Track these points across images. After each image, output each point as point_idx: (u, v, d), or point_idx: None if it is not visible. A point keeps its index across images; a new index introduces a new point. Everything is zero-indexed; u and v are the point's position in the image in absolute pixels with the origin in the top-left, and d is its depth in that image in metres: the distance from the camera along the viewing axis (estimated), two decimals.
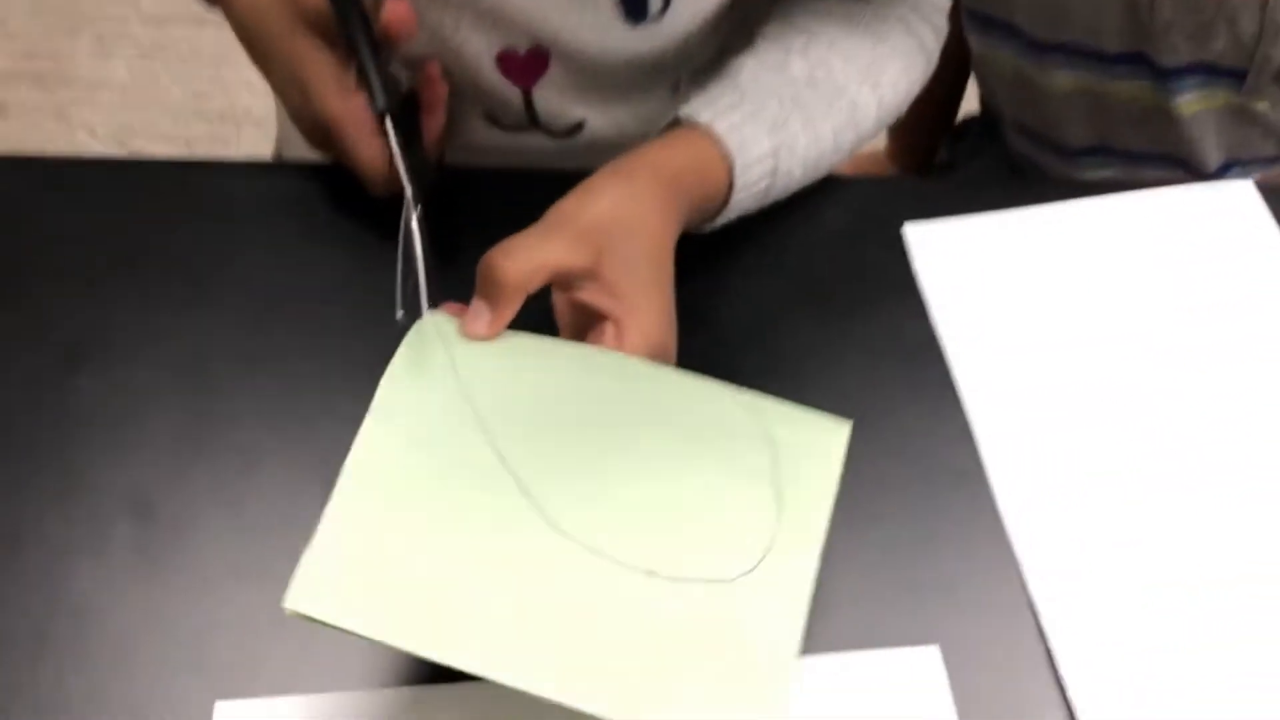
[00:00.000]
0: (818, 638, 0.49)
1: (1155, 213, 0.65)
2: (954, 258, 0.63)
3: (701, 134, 0.58)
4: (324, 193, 0.65)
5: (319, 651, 0.49)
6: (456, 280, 0.51)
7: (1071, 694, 0.48)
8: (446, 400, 0.46)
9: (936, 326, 0.60)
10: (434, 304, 0.50)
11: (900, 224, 0.65)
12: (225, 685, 0.48)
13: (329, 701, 0.48)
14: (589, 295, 0.51)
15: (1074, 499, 0.54)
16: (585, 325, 0.51)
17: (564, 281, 0.51)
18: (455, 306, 0.51)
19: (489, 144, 0.70)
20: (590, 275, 0.50)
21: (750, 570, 0.43)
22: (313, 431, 0.55)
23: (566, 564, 0.43)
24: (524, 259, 0.49)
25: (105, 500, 0.53)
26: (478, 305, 0.49)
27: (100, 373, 0.57)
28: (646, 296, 0.51)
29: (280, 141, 0.85)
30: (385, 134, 0.57)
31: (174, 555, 0.52)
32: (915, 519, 0.54)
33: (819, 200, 0.65)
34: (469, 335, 0.49)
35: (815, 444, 0.47)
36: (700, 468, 0.46)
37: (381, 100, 0.57)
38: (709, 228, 0.60)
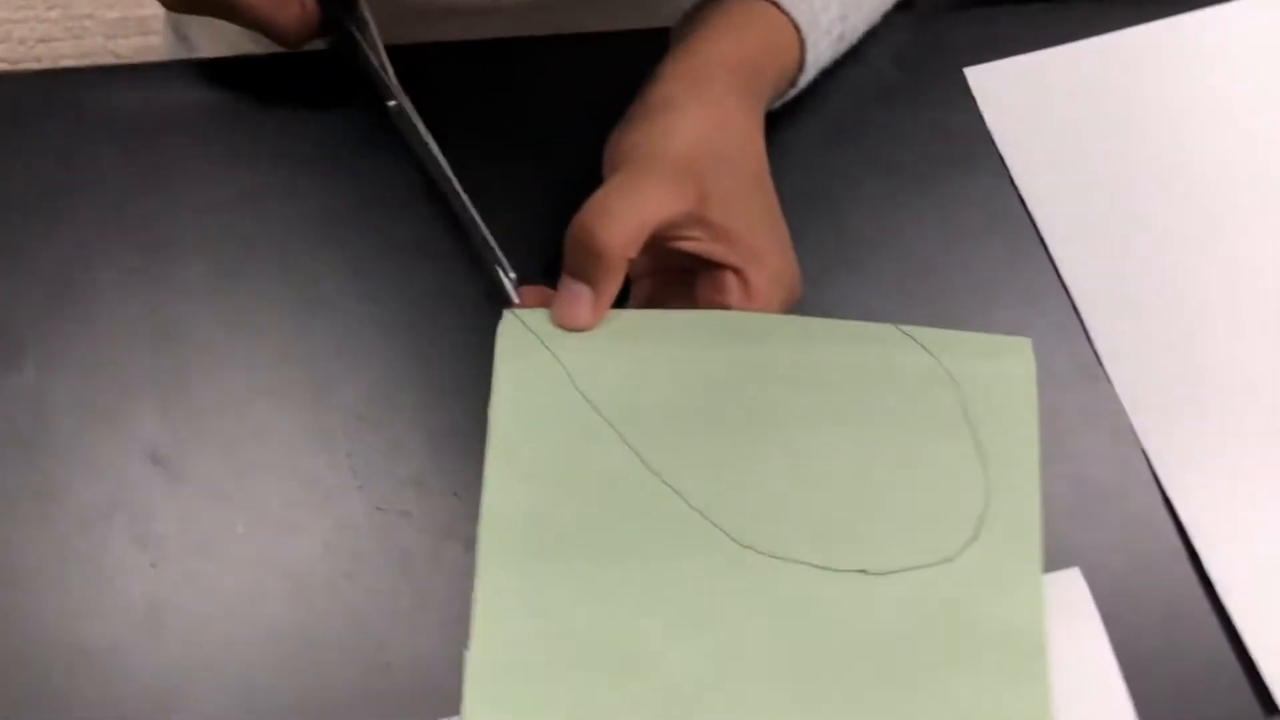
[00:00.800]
0: None
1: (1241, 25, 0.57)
2: (1025, 100, 0.55)
3: (762, 6, 0.47)
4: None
5: None
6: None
7: (1225, 599, 0.44)
8: (572, 416, 0.38)
9: (1020, 187, 0.53)
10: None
11: (957, 66, 0.56)
12: None
13: None
14: (697, 245, 0.41)
15: (1206, 398, 0.48)
16: (675, 278, 0.43)
17: (668, 233, 0.41)
18: (536, 292, 0.42)
19: (449, 2, 0.58)
20: (695, 220, 0.40)
21: (972, 539, 0.37)
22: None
23: (767, 582, 0.36)
24: (626, 219, 0.39)
25: None
26: (574, 287, 0.40)
27: None
28: (763, 233, 0.42)
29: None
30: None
31: None
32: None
33: (863, 46, 0.55)
34: (570, 325, 0.40)
35: (1001, 371, 0.41)
36: (882, 431, 0.39)
37: None
38: (792, 93, 0.50)
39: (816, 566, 0.36)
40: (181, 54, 0.66)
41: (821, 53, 0.49)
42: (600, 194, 0.40)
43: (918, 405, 0.39)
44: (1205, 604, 0.44)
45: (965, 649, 0.35)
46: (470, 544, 0.43)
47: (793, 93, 0.50)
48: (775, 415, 0.39)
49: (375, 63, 0.45)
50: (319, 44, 0.51)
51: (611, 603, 0.36)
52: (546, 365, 0.39)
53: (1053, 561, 0.45)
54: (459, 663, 0.41)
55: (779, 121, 0.54)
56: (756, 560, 0.36)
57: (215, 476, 0.45)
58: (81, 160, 0.51)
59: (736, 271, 0.41)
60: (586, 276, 0.40)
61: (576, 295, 0.40)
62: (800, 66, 0.49)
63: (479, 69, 0.54)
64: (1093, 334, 0.49)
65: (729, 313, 0.41)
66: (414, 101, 0.48)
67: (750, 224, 0.42)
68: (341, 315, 0.48)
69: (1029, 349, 0.41)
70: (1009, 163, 0.53)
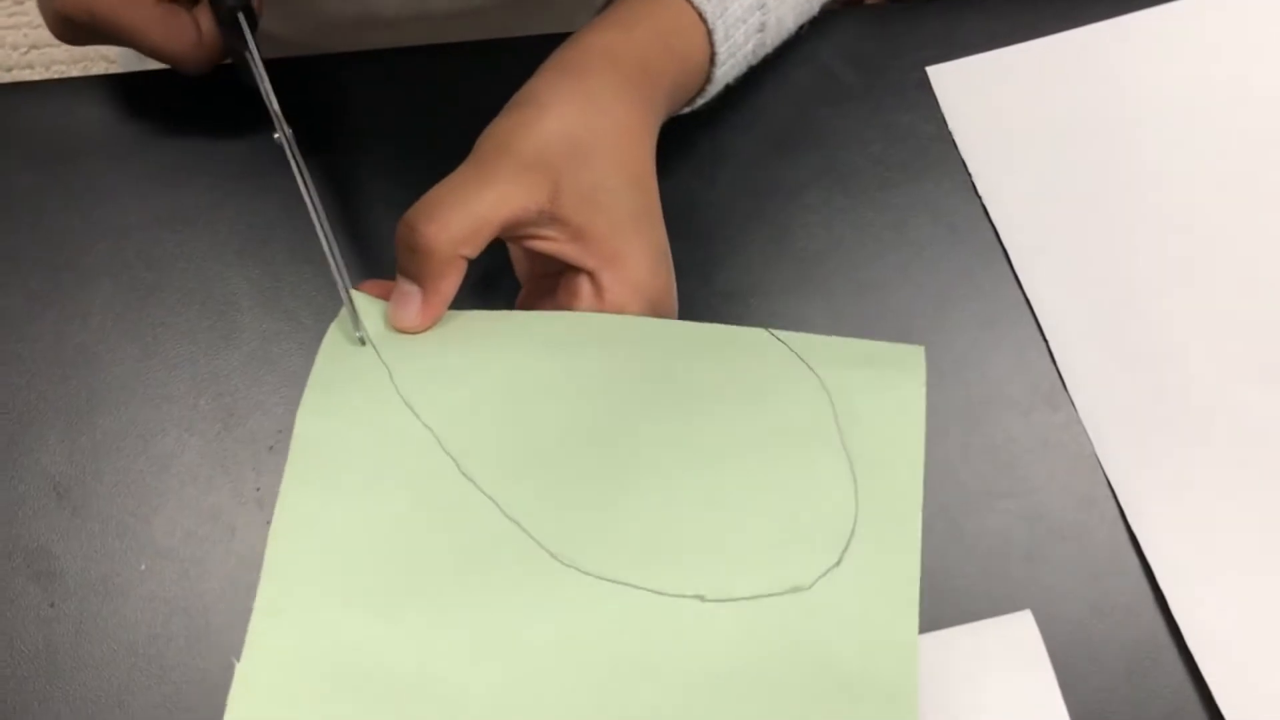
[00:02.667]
0: None
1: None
2: (990, 100, 0.51)
3: None
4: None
5: None
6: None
7: (1194, 649, 0.40)
8: (388, 418, 0.35)
9: (982, 194, 0.49)
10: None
11: (918, 64, 0.52)
12: None
13: None
14: (549, 245, 0.38)
15: (1178, 429, 0.44)
16: (552, 282, 0.39)
17: (515, 231, 0.38)
18: (378, 285, 0.39)
19: (391, 13, 0.56)
20: (548, 218, 0.38)
21: (832, 567, 0.32)
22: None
23: (589, 607, 0.32)
24: (455, 217, 0.36)
25: None
26: (404, 287, 0.37)
27: None
28: (627, 235, 0.38)
29: None
30: (235, 29, 0.44)
31: None
32: (990, 451, 0.44)
33: (812, 45, 0.52)
34: (399, 326, 0.37)
35: (883, 381, 0.36)
36: (739, 443, 0.35)
37: None
38: (686, 111, 0.47)
39: (646, 590, 0.32)
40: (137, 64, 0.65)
41: (737, 44, 0.45)
42: (433, 189, 0.37)
43: (783, 417, 0.35)
44: (1173, 653, 0.41)
45: (814, 695, 0.30)
46: None
47: (713, 90, 0.46)
48: (619, 425, 0.35)
49: (262, 91, 0.43)
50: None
51: (406, 623, 0.32)
52: (369, 365, 0.36)
53: (1004, 603, 0.42)
54: None
55: (720, 128, 0.51)
56: (579, 581, 0.32)
57: (119, 510, 0.43)
58: None
59: (592, 275, 0.38)
60: (415, 276, 0.37)
61: (406, 295, 0.37)
62: (709, 76, 0.45)
63: (406, 76, 0.52)
64: (1057, 356, 0.46)
65: (583, 314, 0.38)
66: (343, 109, 0.46)
67: (613, 225, 0.38)
68: (255, 342, 0.46)
69: (921, 358, 0.36)
70: (971, 168, 0.49)
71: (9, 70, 1.11)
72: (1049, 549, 0.42)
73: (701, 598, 0.32)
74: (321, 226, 0.39)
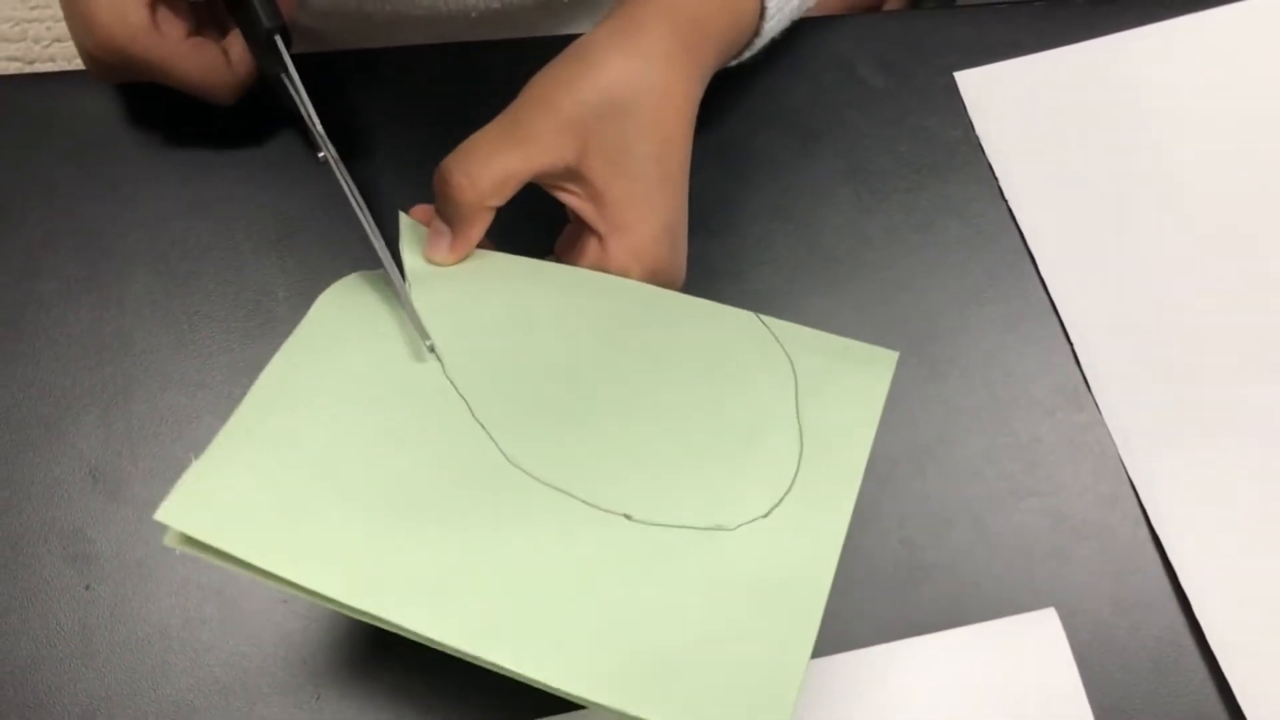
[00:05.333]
0: (923, 610, 0.41)
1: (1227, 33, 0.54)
2: (1016, 106, 0.51)
3: None
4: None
5: None
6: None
7: (1215, 647, 0.41)
8: (390, 319, 0.39)
9: (1008, 198, 0.50)
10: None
11: (945, 69, 0.53)
12: None
13: None
14: (570, 199, 0.40)
15: (1201, 430, 0.45)
16: (579, 223, 0.41)
17: (542, 181, 0.40)
18: (425, 210, 0.41)
19: (424, 12, 0.56)
20: (573, 174, 0.39)
21: (758, 517, 0.34)
22: None
23: (522, 503, 0.34)
24: (485, 170, 0.38)
25: None
26: (438, 225, 0.40)
27: None
28: (640, 203, 0.40)
29: None
30: (272, 50, 0.45)
31: None
32: (1014, 450, 0.45)
33: (842, 49, 0.53)
34: (430, 259, 0.40)
35: (850, 375, 0.37)
36: (701, 399, 0.37)
37: (269, 17, 0.45)
38: (732, 64, 0.47)
39: (579, 500, 0.34)
40: None
41: (785, 14, 0.46)
42: (469, 139, 0.39)
43: (747, 385, 0.37)
44: (1194, 650, 0.41)
45: (709, 630, 0.32)
46: None
47: (760, 43, 0.47)
48: (594, 365, 0.38)
49: (304, 114, 0.44)
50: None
51: (361, 478, 0.34)
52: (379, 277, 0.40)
53: (1028, 601, 0.42)
54: (390, 695, 0.40)
55: (751, 129, 0.51)
56: (521, 480, 0.35)
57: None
58: (35, 167, 0.50)
59: (600, 238, 0.40)
60: (447, 219, 0.40)
61: (439, 234, 0.40)
62: (757, 30, 0.46)
63: (444, 71, 0.53)
64: (1081, 357, 0.46)
65: (590, 271, 0.40)
66: (375, 102, 0.47)
67: (629, 192, 0.39)
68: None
69: (892, 362, 0.38)
70: (998, 172, 0.50)
71: (31, 63, 1.11)
72: (1072, 547, 0.43)
73: (629, 516, 0.34)
74: (373, 236, 0.41)
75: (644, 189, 0.40)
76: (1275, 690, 0.40)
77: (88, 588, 0.42)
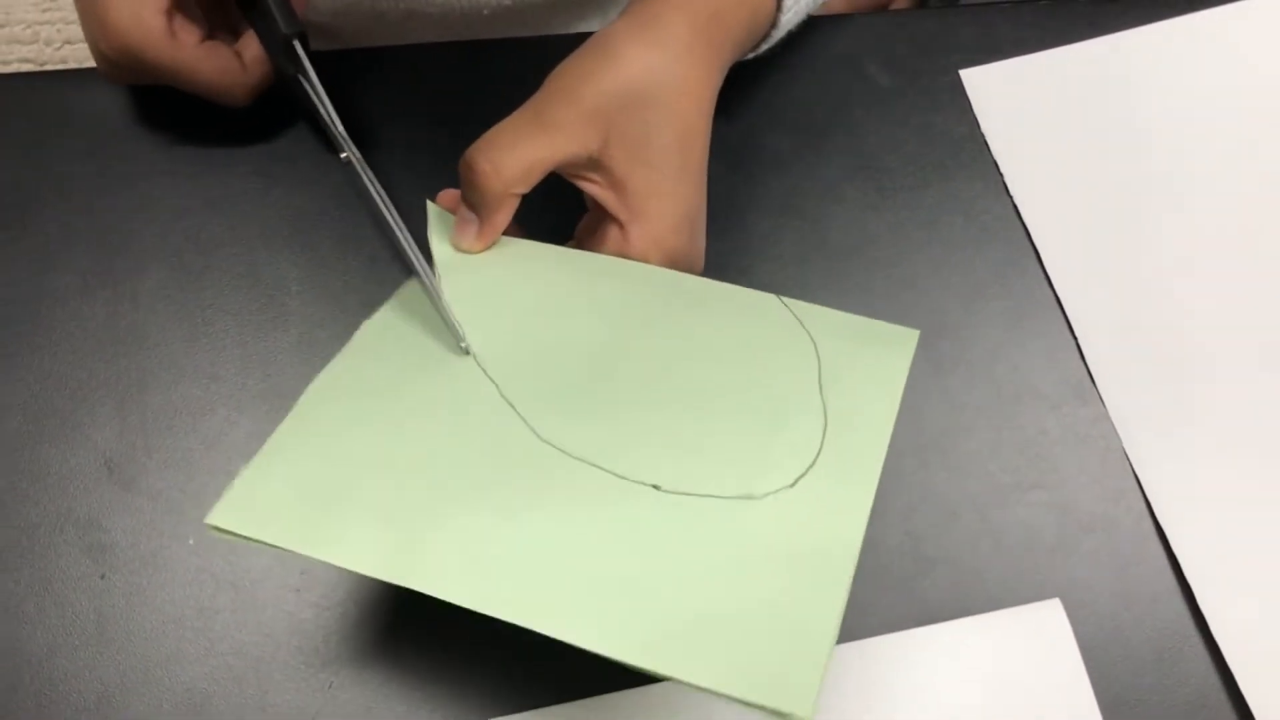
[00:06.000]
0: (930, 601, 0.42)
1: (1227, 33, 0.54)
2: (1022, 103, 0.52)
3: None
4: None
5: None
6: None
7: (1220, 640, 0.41)
8: (427, 322, 0.40)
9: (1014, 195, 0.50)
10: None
11: (951, 67, 0.53)
12: None
13: None
14: (591, 187, 0.41)
15: (1205, 424, 0.45)
16: (599, 211, 0.42)
17: (564, 170, 0.41)
18: (450, 196, 0.42)
19: (437, 10, 0.57)
20: (595, 164, 0.40)
21: (785, 488, 0.35)
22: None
23: (554, 478, 0.35)
24: (509, 159, 0.39)
25: None
26: (464, 213, 0.41)
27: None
28: (660, 193, 0.40)
29: None
30: (290, 55, 0.46)
31: None
32: (1020, 444, 0.45)
33: (849, 48, 0.53)
34: (458, 246, 0.41)
35: (872, 353, 0.38)
36: (727, 378, 0.38)
37: (287, 23, 0.46)
38: (750, 57, 0.48)
39: (609, 472, 0.35)
40: None
41: (801, 7, 0.47)
42: (494, 129, 0.40)
43: (772, 364, 0.38)
44: (1198, 641, 0.42)
45: (737, 598, 0.32)
46: None
47: (777, 35, 0.48)
48: (621, 347, 0.39)
49: (324, 116, 0.45)
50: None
51: (399, 466, 0.35)
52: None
53: (1033, 592, 0.42)
54: (403, 683, 0.40)
55: (759, 126, 0.52)
56: (552, 456, 0.36)
57: (168, 486, 0.44)
58: (51, 163, 0.50)
59: (621, 226, 0.41)
60: (472, 206, 0.41)
61: (465, 222, 0.41)
62: (774, 23, 0.46)
63: (456, 68, 0.53)
64: (1086, 352, 0.47)
65: (614, 258, 0.41)
66: (390, 99, 0.47)
67: (650, 181, 0.40)
68: (302, 326, 0.47)
69: (913, 340, 0.39)
70: (1003, 169, 0.50)
71: (42, 65, 1.12)
72: (1077, 539, 0.43)
73: (657, 487, 0.35)
74: (403, 238, 0.42)
75: (664, 178, 0.40)
76: (1278, 678, 0.40)
77: (103, 577, 0.42)
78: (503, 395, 0.37)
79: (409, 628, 0.41)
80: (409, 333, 0.40)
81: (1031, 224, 0.49)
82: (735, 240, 0.49)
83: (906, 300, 0.48)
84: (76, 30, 1.08)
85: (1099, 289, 0.48)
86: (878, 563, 0.43)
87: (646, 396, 0.37)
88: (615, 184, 0.40)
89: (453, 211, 0.42)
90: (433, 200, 0.43)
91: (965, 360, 0.47)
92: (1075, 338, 0.47)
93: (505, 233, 0.42)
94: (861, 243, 0.49)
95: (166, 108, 0.52)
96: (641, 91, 0.40)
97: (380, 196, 0.42)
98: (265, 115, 0.51)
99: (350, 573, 0.42)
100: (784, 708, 0.29)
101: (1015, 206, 0.50)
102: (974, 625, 0.42)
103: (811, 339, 0.39)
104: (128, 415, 0.45)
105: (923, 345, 0.47)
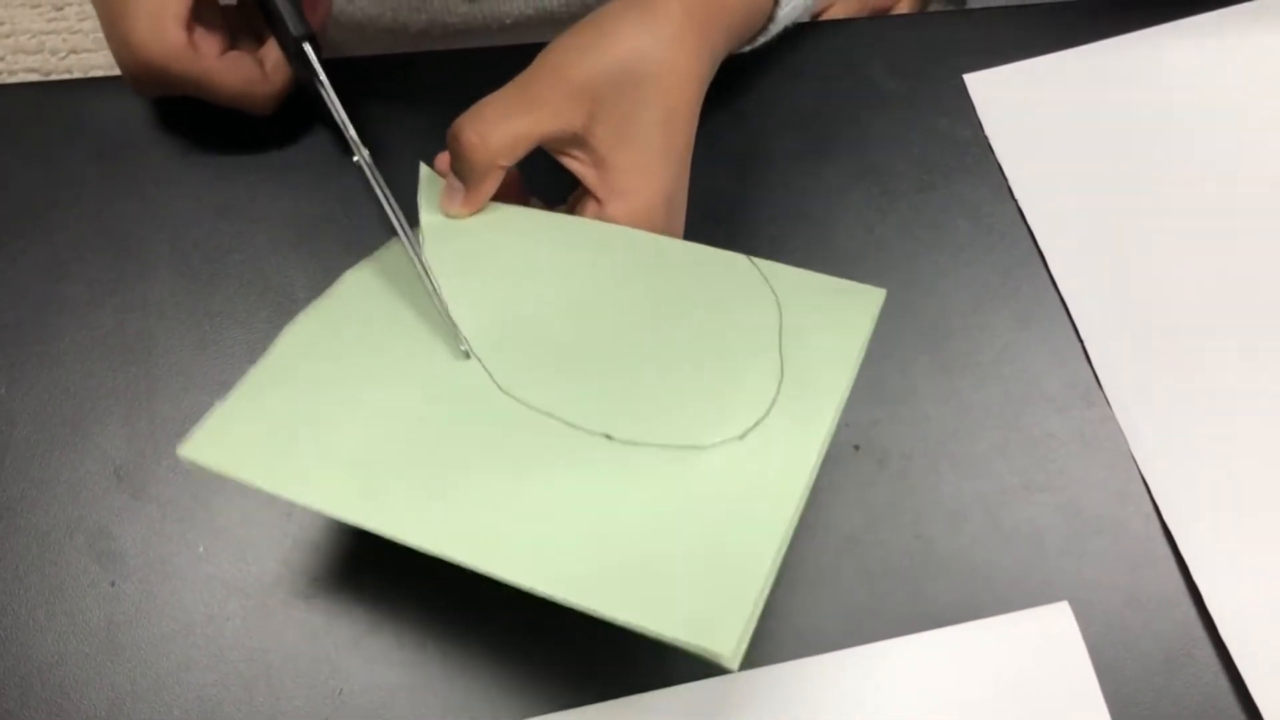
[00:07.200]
0: (937, 605, 0.42)
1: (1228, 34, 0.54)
2: (1025, 107, 0.52)
3: None
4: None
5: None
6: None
7: (1229, 642, 0.41)
8: (409, 294, 0.41)
9: (1018, 198, 0.50)
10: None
11: (955, 71, 0.53)
12: None
13: None
14: (574, 164, 0.42)
15: (1212, 425, 0.45)
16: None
17: (548, 145, 0.42)
18: (445, 160, 0.43)
19: (458, 20, 0.57)
20: (579, 141, 0.41)
21: (733, 439, 0.35)
22: None
23: (511, 427, 0.36)
24: (496, 131, 0.40)
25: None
26: (453, 181, 0.42)
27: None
28: (640, 173, 0.41)
29: None
30: (303, 61, 0.47)
31: None
32: (1027, 446, 0.45)
33: (854, 52, 0.53)
34: (446, 212, 0.43)
35: (835, 311, 0.39)
36: (688, 333, 0.39)
37: (296, 25, 0.46)
38: (746, 50, 0.49)
39: (563, 421, 0.36)
40: None
41: (800, 2, 0.48)
42: (482, 102, 0.41)
43: (732, 317, 0.39)
44: (1207, 643, 0.41)
45: (681, 546, 0.33)
46: (432, 571, 0.42)
47: (774, 29, 0.48)
48: (587, 301, 0.40)
49: (338, 119, 0.45)
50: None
51: (365, 410, 0.37)
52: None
53: (1041, 594, 0.42)
54: (413, 690, 0.40)
55: (766, 130, 0.52)
56: (510, 405, 0.37)
57: (178, 493, 0.44)
58: (61, 171, 0.51)
59: (600, 203, 0.42)
60: (460, 176, 0.42)
61: (453, 190, 0.42)
62: (771, 16, 0.47)
63: (475, 76, 0.53)
64: (1092, 354, 0.47)
65: (592, 221, 0.42)
66: (405, 106, 0.48)
67: (633, 161, 0.41)
68: None
69: (878, 299, 0.39)
70: (1007, 172, 0.51)
71: (48, 75, 1.13)
72: (1085, 541, 0.43)
73: (609, 436, 0.36)
74: (406, 237, 0.42)
75: (647, 158, 0.41)
76: None
77: (112, 584, 0.42)
78: (470, 350, 0.38)
79: (418, 635, 0.41)
80: (387, 288, 0.41)
81: (1036, 227, 0.49)
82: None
83: (912, 303, 0.48)
84: (82, 40, 1.09)
85: (1104, 291, 0.48)
86: (886, 564, 0.43)
87: (609, 351, 0.38)
88: (598, 161, 0.41)
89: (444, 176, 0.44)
90: (426, 164, 0.45)
91: (972, 363, 0.47)
92: (1081, 339, 0.47)
93: (506, 197, 0.44)
94: (867, 246, 0.49)
95: (176, 116, 0.52)
96: (630, 71, 0.41)
97: (387, 199, 0.43)
98: (274, 123, 0.51)
99: (361, 585, 0.42)
100: (711, 647, 0.30)
101: (1020, 209, 0.50)
102: (982, 628, 0.42)
103: (775, 296, 0.39)
104: (137, 423, 0.45)
105: (929, 348, 0.47)
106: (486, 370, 0.38)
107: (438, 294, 0.40)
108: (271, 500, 0.44)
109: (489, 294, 0.41)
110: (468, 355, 0.39)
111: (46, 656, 0.41)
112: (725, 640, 0.30)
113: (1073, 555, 0.43)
